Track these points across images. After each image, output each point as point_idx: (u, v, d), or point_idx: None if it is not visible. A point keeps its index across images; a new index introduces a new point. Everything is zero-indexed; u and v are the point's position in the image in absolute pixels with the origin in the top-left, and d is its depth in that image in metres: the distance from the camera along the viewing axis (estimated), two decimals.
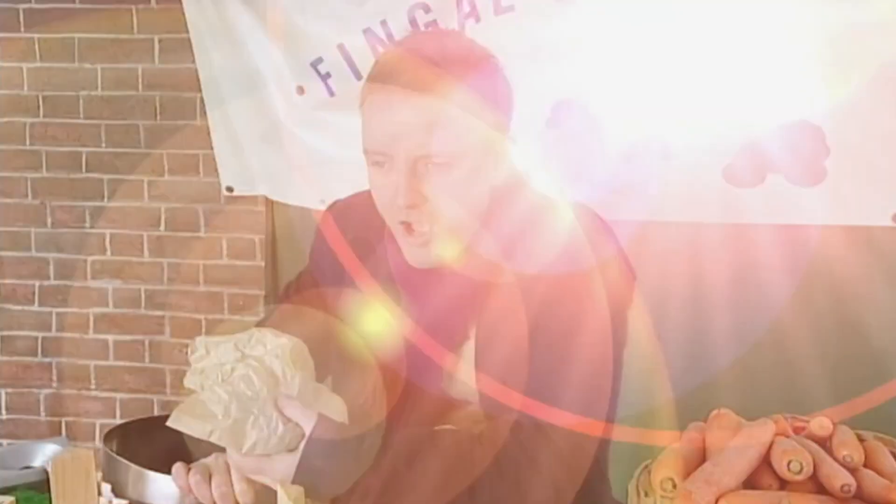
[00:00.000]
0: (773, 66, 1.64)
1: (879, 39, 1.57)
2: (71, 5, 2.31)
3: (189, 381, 0.91)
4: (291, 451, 0.89)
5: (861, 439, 0.95)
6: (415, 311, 1.04)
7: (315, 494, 0.89)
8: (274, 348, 0.91)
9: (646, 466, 0.96)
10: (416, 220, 0.98)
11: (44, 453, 1.18)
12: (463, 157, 0.97)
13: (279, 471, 0.89)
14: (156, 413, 2.40)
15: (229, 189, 2.20)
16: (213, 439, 0.87)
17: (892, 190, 1.63)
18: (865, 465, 0.90)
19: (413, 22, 1.83)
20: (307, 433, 0.89)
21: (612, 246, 1.03)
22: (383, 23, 1.86)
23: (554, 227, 1.03)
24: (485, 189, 1.02)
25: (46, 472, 1.12)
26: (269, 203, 2.16)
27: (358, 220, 1.11)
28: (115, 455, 0.98)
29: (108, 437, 1.02)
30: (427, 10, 1.82)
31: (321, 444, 0.89)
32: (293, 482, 0.87)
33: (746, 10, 1.63)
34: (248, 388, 0.88)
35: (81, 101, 2.35)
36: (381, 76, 0.96)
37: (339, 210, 1.17)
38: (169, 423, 0.87)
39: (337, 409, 0.93)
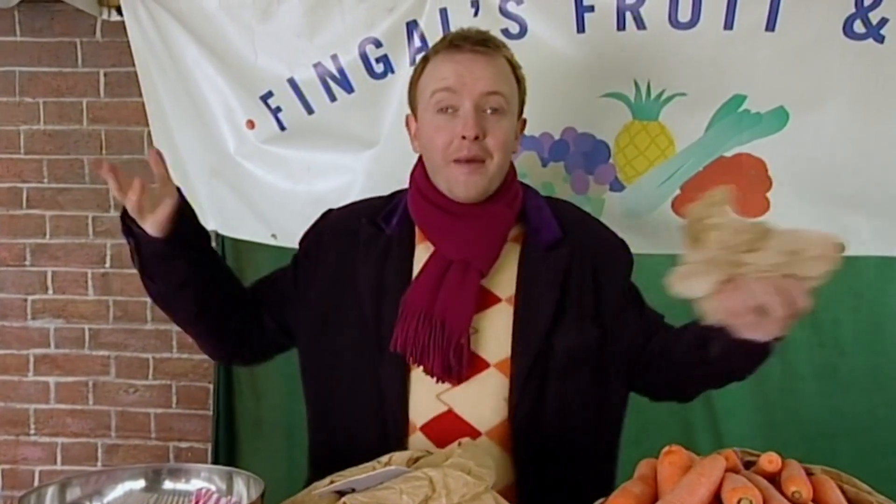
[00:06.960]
0: (712, 99, 1.67)
1: (815, 70, 1.62)
2: (12, 38, 2.25)
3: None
4: None
5: (809, 473, 0.96)
6: (447, 248, 1.22)
7: None
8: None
9: None
10: (475, 153, 1.20)
11: None
12: (509, 107, 1.24)
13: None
14: (99, 458, 2.31)
15: None
16: None
17: (831, 220, 1.67)
18: (814, 500, 0.91)
19: (364, 56, 1.83)
20: None
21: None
22: (334, 57, 1.85)
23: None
24: (510, 152, 1.26)
25: None
26: (219, 238, 2.12)
27: (364, 210, 1.32)
28: None
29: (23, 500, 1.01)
30: (378, 44, 1.82)
31: None
32: None
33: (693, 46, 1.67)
34: None
35: (22, 136, 2.28)
36: (457, 40, 1.25)
37: (340, 209, 1.37)
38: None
39: None
